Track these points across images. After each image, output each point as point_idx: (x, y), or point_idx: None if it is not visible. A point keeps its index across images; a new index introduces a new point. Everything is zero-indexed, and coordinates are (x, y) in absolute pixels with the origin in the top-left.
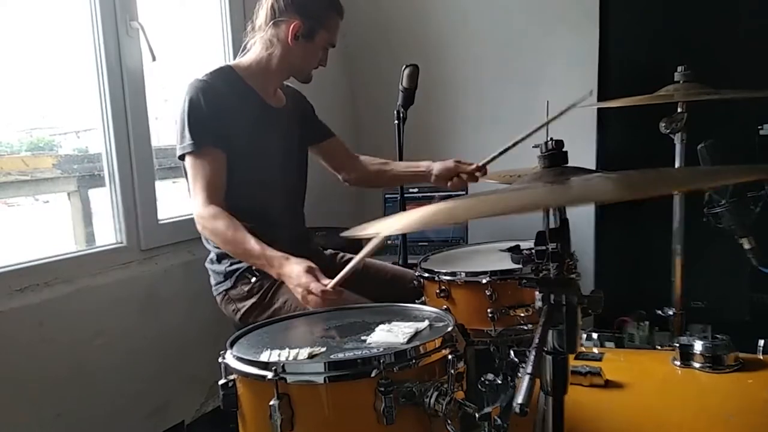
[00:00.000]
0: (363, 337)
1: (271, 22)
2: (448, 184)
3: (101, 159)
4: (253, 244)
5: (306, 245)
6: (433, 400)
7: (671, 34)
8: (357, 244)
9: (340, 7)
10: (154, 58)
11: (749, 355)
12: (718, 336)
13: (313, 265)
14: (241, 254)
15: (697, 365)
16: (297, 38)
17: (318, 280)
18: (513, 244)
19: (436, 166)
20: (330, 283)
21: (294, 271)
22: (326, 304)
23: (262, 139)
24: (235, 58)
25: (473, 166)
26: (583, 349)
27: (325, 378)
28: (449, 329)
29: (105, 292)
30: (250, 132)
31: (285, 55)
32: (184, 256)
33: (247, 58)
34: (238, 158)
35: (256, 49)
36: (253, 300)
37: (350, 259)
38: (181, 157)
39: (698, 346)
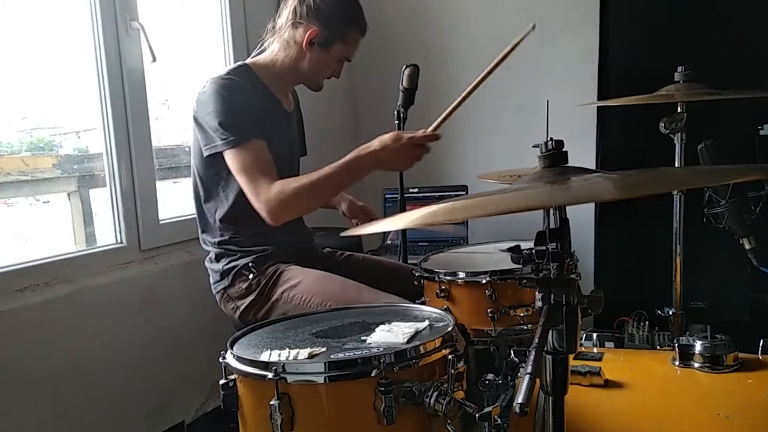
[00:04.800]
0: (363, 337)
1: (291, 23)
2: (353, 221)
3: (101, 159)
4: (327, 168)
5: (306, 244)
6: (433, 399)
7: (671, 34)
8: (356, 244)
9: (364, 24)
10: (154, 59)
11: (749, 355)
12: (717, 336)
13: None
14: (329, 184)
15: (696, 365)
16: (312, 44)
17: (412, 134)
18: (513, 244)
19: (344, 204)
20: (429, 129)
21: (387, 139)
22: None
23: (275, 140)
24: (235, 58)
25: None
26: (583, 349)
27: (325, 378)
28: (449, 329)
29: (105, 292)
30: (266, 132)
31: (298, 59)
32: (183, 256)
33: (264, 57)
34: None
35: (273, 48)
36: (251, 297)
37: (349, 257)
38: (215, 155)
39: (698, 346)
